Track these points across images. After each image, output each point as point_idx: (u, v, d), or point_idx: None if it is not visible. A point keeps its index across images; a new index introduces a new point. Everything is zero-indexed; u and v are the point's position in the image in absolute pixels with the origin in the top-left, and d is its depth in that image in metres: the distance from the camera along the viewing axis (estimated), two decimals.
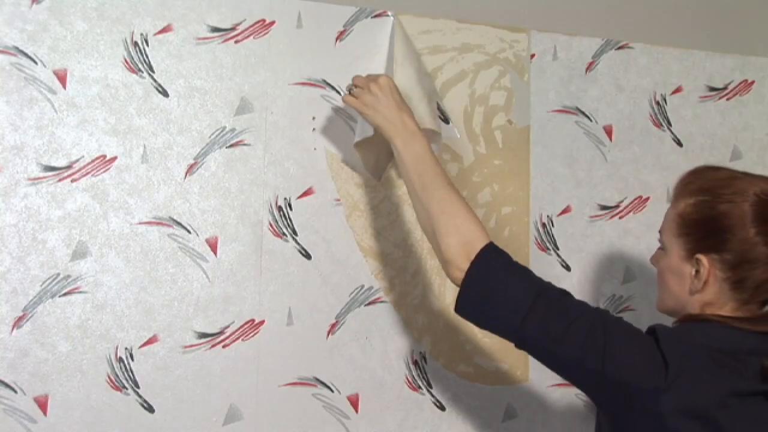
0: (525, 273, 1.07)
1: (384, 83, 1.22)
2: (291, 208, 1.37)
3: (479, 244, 1.08)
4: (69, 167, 1.26)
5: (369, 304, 1.40)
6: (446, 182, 1.14)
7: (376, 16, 1.44)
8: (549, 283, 1.07)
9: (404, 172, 1.18)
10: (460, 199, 1.12)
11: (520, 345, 1.06)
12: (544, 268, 1.50)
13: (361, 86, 1.24)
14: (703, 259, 1.03)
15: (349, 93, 1.25)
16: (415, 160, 1.16)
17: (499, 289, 1.05)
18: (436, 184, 1.13)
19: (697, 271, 1.04)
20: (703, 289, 1.04)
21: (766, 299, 1.04)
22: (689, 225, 1.05)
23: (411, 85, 1.34)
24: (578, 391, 1.48)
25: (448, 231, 1.10)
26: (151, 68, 1.31)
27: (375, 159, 1.38)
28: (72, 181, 1.26)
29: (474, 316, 1.10)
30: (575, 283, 1.53)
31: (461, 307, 1.10)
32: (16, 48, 1.25)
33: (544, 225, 1.52)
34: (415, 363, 1.43)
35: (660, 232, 1.11)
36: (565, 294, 1.06)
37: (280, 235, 1.36)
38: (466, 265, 1.07)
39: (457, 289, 1.10)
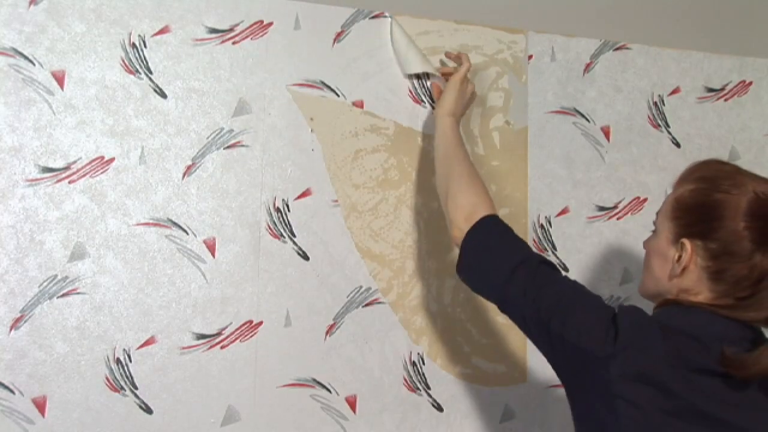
0: (514, 242, 1.15)
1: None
2: (289, 210, 1.37)
3: (482, 212, 1.18)
4: (67, 168, 1.26)
5: (367, 305, 1.40)
6: (469, 158, 1.29)
7: (374, 17, 1.44)
8: (533, 253, 1.13)
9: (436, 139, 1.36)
10: (478, 175, 1.25)
11: (502, 306, 1.12)
12: None
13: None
14: (687, 244, 1.04)
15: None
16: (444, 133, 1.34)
17: (489, 254, 1.14)
18: (461, 154, 1.28)
19: (680, 256, 1.05)
20: (681, 274, 1.05)
21: (743, 296, 1.03)
22: (683, 209, 1.06)
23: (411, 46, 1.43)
24: None
25: (462, 192, 1.21)
26: (148, 69, 1.31)
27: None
28: (70, 182, 1.26)
29: (468, 278, 1.19)
30: None
31: (460, 269, 1.19)
32: (14, 49, 1.24)
33: (542, 226, 1.52)
34: (413, 364, 1.43)
35: (657, 214, 1.13)
36: (543, 262, 1.11)
37: (278, 236, 1.36)
38: (466, 227, 1.17)
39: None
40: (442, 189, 1.27)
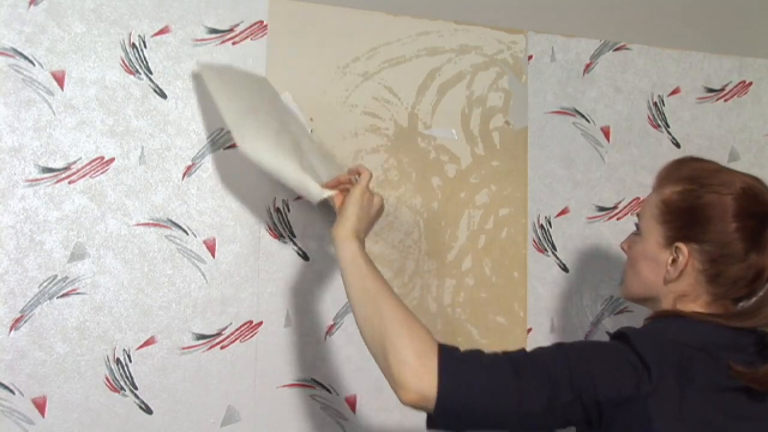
0: (490, 360, 0.98)
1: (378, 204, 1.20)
2: (289, 210, 1.37)
3: (432, 355, 0.96)
4: (67, 169, 1.26)
5: None
6: (390, 288, 1.07)
7: None
8: (514, 354, 0.99)
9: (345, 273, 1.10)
10: (408, 309, 1.04)
11: (522, 427, 0.96)
12: (542, 269, 1.50)
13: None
14: (683, 247, 1.02)
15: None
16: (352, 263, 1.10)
17: (480, 392, 0.94)
18: (383, 287, 1.06)
19: (674, 260, 1.03)
20: (678, 278, 1.03)
21: (740, 296, 1.04)
22: (673, 212, 1.04)
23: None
24: None
25: (402, 342, 0.98)
26: (148, 70, 1.31)
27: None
28: (70, 182, 1.26)
29: (461, 425, 0.97)
30: (573, 285, 1.53)
31: (446, 424, 0.96)
32: (14, 49, 1.24)
33: (542, 226, 1.52)
34: None
35: (638, 215, 1.11)
36: (524, 352, 0.99)
37: (278, 236, 1.36)
38: (428, 387, 0.94)
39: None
40: (373, 338, 1.02)
